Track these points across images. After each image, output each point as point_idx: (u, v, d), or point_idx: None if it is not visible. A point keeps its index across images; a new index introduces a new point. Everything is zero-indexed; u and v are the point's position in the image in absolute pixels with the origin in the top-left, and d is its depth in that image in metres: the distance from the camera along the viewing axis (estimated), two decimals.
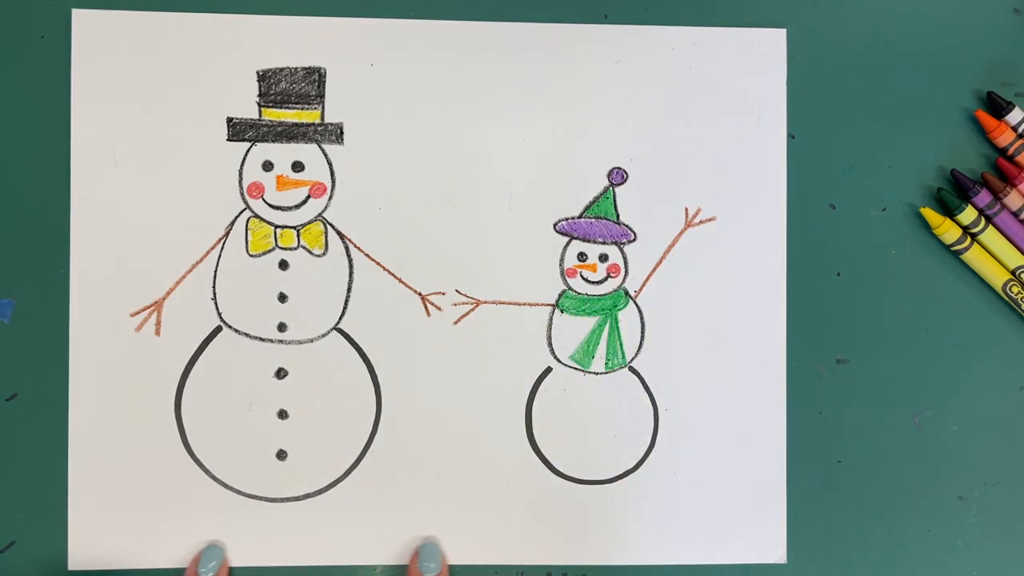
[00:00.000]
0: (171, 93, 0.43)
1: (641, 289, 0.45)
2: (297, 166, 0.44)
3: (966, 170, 0.46)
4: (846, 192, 0.46)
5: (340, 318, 0.44)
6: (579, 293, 0.45)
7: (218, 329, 0.44)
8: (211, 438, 0.43)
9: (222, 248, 0.44)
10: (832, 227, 0.46)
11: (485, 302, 0.44)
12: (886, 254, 0.46)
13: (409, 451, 0.44)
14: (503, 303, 0.44)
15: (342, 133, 0.44)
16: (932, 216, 0.45)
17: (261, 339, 0.44)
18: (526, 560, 0.44)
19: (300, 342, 0.44)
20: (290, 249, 0.44)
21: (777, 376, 0.45)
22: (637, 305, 0.45)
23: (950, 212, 0.45)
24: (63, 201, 0.43)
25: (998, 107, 0.45)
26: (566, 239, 0.45)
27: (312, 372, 0.44)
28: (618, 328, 0.45)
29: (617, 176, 0.45)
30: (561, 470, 0.44)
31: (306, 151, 0.44)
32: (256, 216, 0.44)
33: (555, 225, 0.45)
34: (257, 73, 0.44)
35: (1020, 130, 0.45)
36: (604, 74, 0.45)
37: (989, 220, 0.45)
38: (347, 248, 0.44)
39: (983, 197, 0.45)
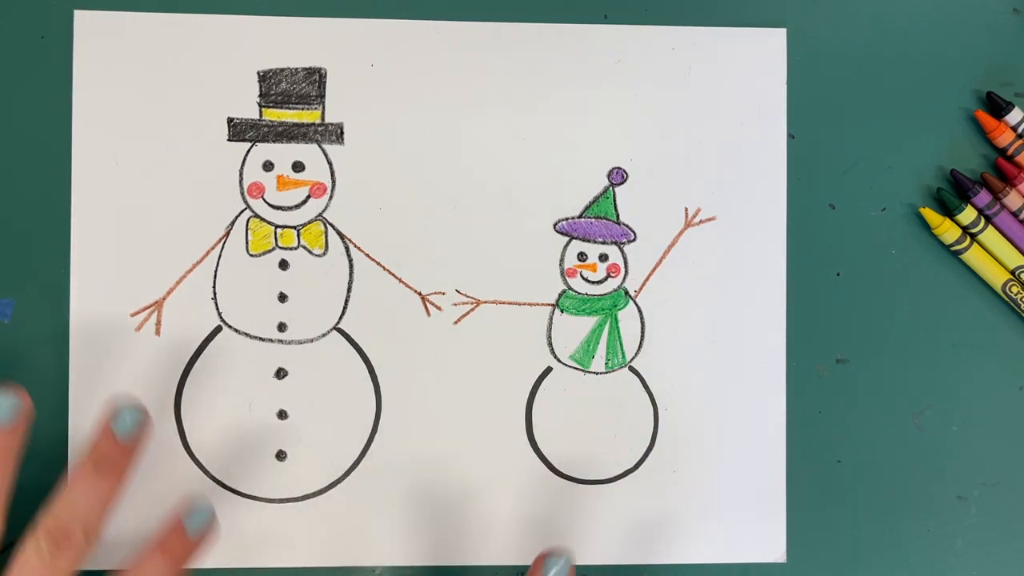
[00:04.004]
0: (172, 94, 0.43)
1: (641, 289, 0.45)
2: (297, 166, 0.44)
3: (966, 170, 0.46)
4: (846, 192, 0.46)
5: (340, 318, 0.44)
6: (579, 293, 0.45)
7: (218, 329, 0.44)
8: (211, 438, 0.43)
9: (222, 248, 0.44)
10: (832, 227, 0.46)
11: (485, 302, 0.44)
12: (886, 254, 0.46)
13: (409, 451, 0.44)
14: (503, 303, 0.44)
15: (342, 133, 0.44)
16: (932, 216, 0.45)
17: (261, 339, 0.44)
18: (526, 560, 0.44)
19: (300, 342, 0.44)
20: (290, 249, 0.44)
21: (777, 376, 0.45)
22: (637, 305, 0.45)
23: (950, 212, 0.45)
24: (63, 201, 0.43)
25: (998, 107, 0.45)
26: (566, 239, 0.45)
27: (312, 372, 0.44)
28: (618, 328, 0.45)
29: (617, 176, 0.45)
30: (561, 470, 0.44)
31: (306, 151, 0.44)
32: (256, 216, 0.44)
33: (555, 225, 0.45)
34: (258, 74, 0.44)
35: (1020, 130, 0.45)
36: (604, 74, 0.45)
37: (989, 220, 0.45)
38: (347, 248, 0.44)
39: (983, 197, 0.45)
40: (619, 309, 0.45)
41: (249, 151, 0.44)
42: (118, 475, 0.37)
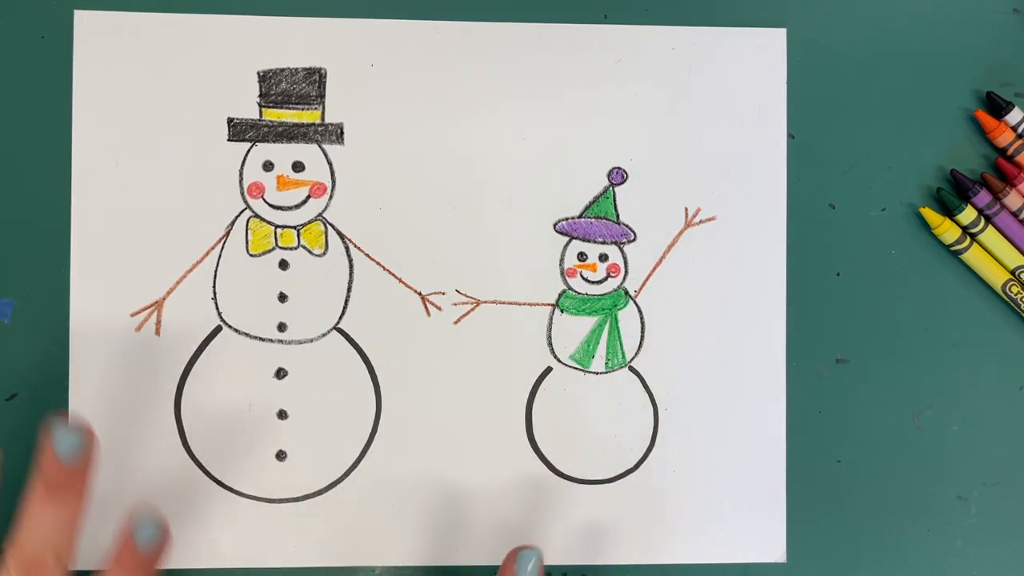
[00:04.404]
0: (172, 94, 0.43)
1: (641, 289, 0.45)
2: (297, 166, 0.44)
3: (966, 170, 0.46)
4: (846, 192, 0.46)
5: (340, 318, 0.44)
6: (579, 293, 0.45)
7: (218, 329, 0.44)
8: (211, 438, 0.43)
9: (222, 248, 0.44)
10: (832, 227, 0.46)
11: (485, 302, 0.44)
12: (886, 254, 0.46)
13: (409, 451, 0.44)
14: (503, 303, 0.44)
15: (342, 133, 0.44)
16: (932, 216, 0.45)
17: (261, 339, 0.44)
18: None
19: (300, 342, 0.44)
20: (290, 249, 0.44)
21: (777, 376, 0.45)
22: (637, 305, 0.45)
23: (950, 212, 0.45)
24: (63, 201, 0.43)
25: (998, 107, 0.45)
26: (566, 239, 0.45)
27: (312, 372, 0.44)
28: (618, 328, 0.45)
29: (617, 176, 0.45)
30: (561, 470, 0.44)
31: (306, 151, 0.44)
32: (256, 216, 0.44)
33: (555, 225, 0.45)
34: (258, 74, 0.44)
35: (1020, 130, 0.45)
36: (604, 74, 0.45)
37: (989, 220, 0.45)
38: (347, 248, 0.44)
39: (983, 197, 0.45)
40: (619, 309, 0.45)
41: (249, 151, 0.44)
42: (73, 498, 0.35)
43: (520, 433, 0.44)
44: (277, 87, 0.44)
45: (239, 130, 0.44)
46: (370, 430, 0.44)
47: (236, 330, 0.44)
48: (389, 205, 0.44)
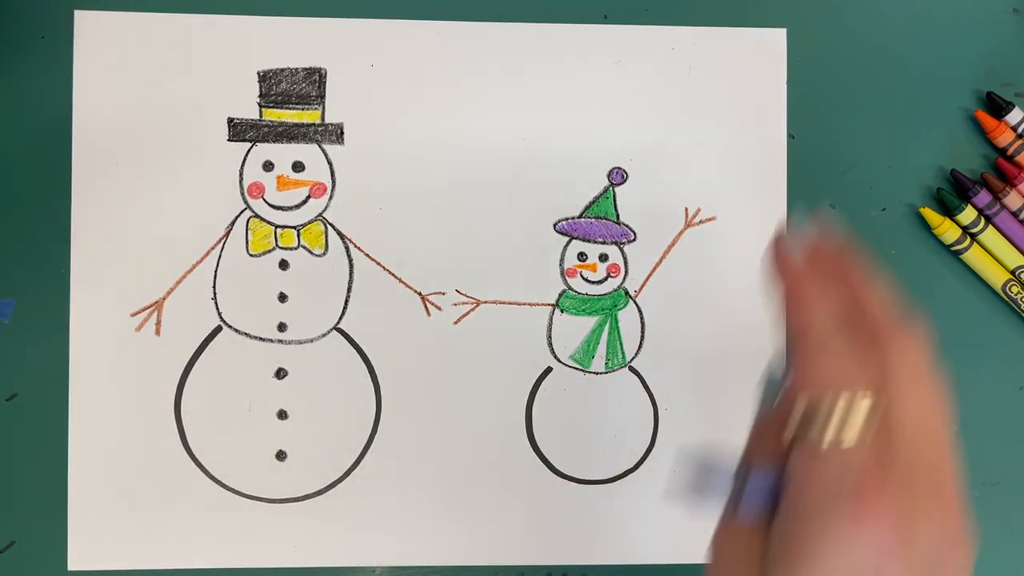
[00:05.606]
0: (172, 94, 0.43)
1: (641, 289, 0.45)
2: (297, 166, 0.44)
3: (966, 170, 0.46)
4: (846, 192, 0.46)
5: (340, 318, 0.44)
6: (579, 293, 0.45)
7: (218, 329, 0.44)
8: (211, 438, 0.43)
9: (222, 248, 0.44)
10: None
11: (485, 302, 0.44)
12: (886, 254, 0.46)
13: (409, 451, 0.44)
14: (503, 303, 0.44)
15: (342, 133, 0.44)
16: (932, 216, 0.45)
17: (261, 339, 0.44)
18: (526, 560, 0.44)
19: (300, 342, 0.44)
20: (290, 249, 0.44)
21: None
22: (637, 305, 0.45)
23: (950, 212, 0.45)
24: (63, 201, 0.43)
25: (998, 107, 0.45)
26: (566, 239, 0.45)
27: (312, 372, 0.44)
28: (618, 328, 0.45)
29: (617, 176, 0.45)
30: (561, 470, 0.44)
31: (306, 151, 0.44)
32: (256, 216, 0.44)
33: (555, 225, 0.45)
34: (258, 74, 0.44)
35: (1020, 130, 0.45)
36: (604, 74, 0.45)
37: (989, 220, 0.45)
38: (347, 248, 0.44)
39: (983, 197, 0.45)
40: (619, 309, 0.45)
41: (249, 151, 0.44)
42: None
43: (520, 433, 0.44)
44: (277, 87, 0.44)
45: (239, 130, 0.44)
46: (370, 430, 0.44)
47: (236, 330, 0.44)
48: (389, 205, 0.44)
